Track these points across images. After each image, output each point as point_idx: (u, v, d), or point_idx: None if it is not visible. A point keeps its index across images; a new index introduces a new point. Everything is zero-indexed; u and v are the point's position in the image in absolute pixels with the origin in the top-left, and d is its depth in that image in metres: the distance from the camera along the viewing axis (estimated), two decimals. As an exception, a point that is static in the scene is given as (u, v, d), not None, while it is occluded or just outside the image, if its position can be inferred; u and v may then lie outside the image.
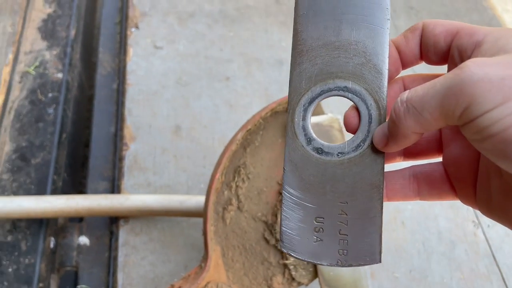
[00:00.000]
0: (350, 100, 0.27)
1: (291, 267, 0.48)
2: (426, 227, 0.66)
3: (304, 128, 0.27)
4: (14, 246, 0.56)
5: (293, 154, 0.26)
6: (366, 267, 0.49)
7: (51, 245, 0.58)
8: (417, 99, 0.22)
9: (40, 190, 0.59)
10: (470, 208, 0.70)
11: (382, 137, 0.25)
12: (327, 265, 0.25)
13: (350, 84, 0.27)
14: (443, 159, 0.28)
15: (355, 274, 0.48)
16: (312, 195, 0.26)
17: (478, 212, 0.69)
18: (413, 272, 0.61)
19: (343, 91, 0.27)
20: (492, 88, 0.20)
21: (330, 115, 0.51)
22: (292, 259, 0.48)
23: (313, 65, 0.27)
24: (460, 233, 0.66)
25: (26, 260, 0.55)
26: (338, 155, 0.26)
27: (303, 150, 0.26)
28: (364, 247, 0.25)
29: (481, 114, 0.21)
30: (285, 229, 0.26)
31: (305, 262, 0.49)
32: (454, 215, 0.68)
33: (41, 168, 0.61)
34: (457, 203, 0.73)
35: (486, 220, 0.68)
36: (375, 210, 0.25)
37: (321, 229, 0.25)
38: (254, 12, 0.87)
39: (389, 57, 0.27)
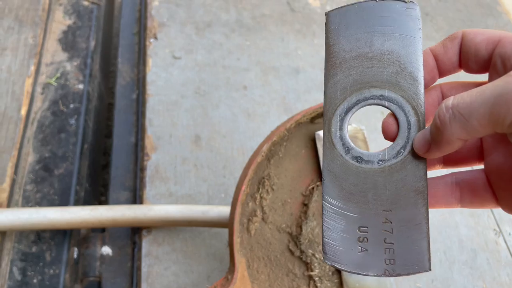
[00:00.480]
0: (387, 108, 0.27)
1: (316, 278, 0.48)
2: (447, 236, 0.65)
3: (342, 138, 0.27)
4: (39, 257, 0.56)
5: (332, 164, 0.27)
6: (392, 278, 0.49)
7: (75, 256, 0.59)
8: (465, 106, 0.22)
9: (63, 200, 0.60)
10: (491, 216, 0.70)
11: (424, 142, 0.25)
12: (374, 275, 0.25)
13: (386, 93, 0.27)
14: (485, 167, 0.28)
15: (380, 285, 0.48)
16: (354, 204, 0.26)
17: (499, 220, 0.69)
18: (435, 282, 0.61)
19: (379, 100, 0.27)
20: None
21: (354, 126, 0.51)
22: (317, 270, 0.48)
23: (347, 76, 0.28)
24: (481, 242, 0.66)
25: (51, 271, 0.56)
26: (378, 163, 0.26)
27: (342, 159, 0.27)
28: (412, 255, 0.25)
29: None
30: (327, 240, 0.26)
31: (330, 273, 0.49)
32: (475, 223, 0.67)
33: (64, 178, 0.61)
34: (478, 211, 0.72)
35: (507, 228, 0.68)
36: (420, 217, 0.25)
37: (365, 238, 0.25)
38: (269, 20, 0.88)
39: (425, 65, 0.27)
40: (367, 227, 0.25)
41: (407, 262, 0.25)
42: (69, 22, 0.78)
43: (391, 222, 0.25)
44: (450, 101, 0.23)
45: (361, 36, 0.28)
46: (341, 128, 0.27)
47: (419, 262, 0.25)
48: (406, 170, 0.26)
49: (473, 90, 0.23)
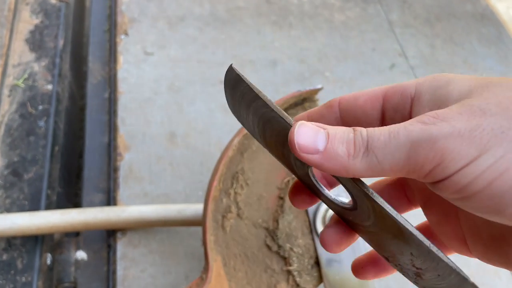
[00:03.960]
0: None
1: (295, 273, 0.46)
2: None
3: None
4: (10, 265, 0.54)
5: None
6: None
7: (48, 262, 0.57)
8: (379, 145, 0.20)
9: (34, 205, 0.58)
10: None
11: (313, 147, 0.20)
12: None
13: None
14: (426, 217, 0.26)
15: (361, 277, 0.47)
16: None
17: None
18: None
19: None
20: (463, 142, 0.19)
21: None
22: (295, 265, 0.46)
23: None
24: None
25: (23, 278, 0.53)
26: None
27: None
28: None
29: (456, 171, 0.19)
30: None
31: (309, 267, 0.47)
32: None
33: (34, 182, 0.59)
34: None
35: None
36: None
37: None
38: (245, 13, 0.86)
39: None
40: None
41: None
42: (36, 21, 0.75)
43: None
44: (364, 132, 0.20)
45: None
46: None
47: None
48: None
49: (385, 129, 0.20)
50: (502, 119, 0.19)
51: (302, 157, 0.20)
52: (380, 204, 0.20)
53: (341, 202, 0.23)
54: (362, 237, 0.24)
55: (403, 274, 0.23)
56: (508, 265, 0.23)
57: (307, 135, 0.20)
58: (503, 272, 0.62)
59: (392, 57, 0.86)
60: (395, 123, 0.22)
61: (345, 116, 0.24)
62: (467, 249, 0.24)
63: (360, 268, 0.27)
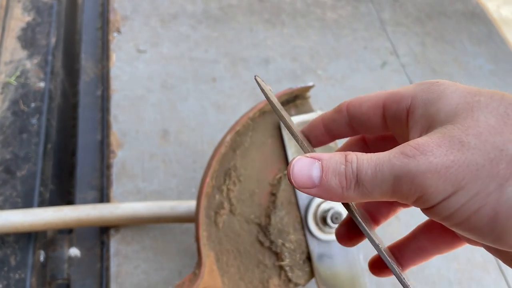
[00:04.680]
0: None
1: (287, 268, 0.47)
2: (420, 219, 0.65)
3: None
4: (3, 262, 0.54)
5: None
6: (362, 262, 0.48)
7: (41, 259, 0.57)
8: (368, 179, 0.21)
9: (27, 203, 0.58)
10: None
11: (307, 177, 0.22)
12: None
13: None
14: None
15: (352, 271, 0.48)
16: None
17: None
18: (410, 266, 0.60)
19: None
20: (440, 179, 0.20)
21: (319, 112, 0.50)
22: (287, 260, 0.47)
23: None
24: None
25: (16, 276, 0.53)
26: None
27: None
28: None
29: (437, 203, 0.21)
30: None
31: (301, 262, 0.48)
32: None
33: (27, 180, 0.59)
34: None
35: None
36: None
37: None
38: (238, 11, 0.86)
39: (314, 131, 0.28)
40: None
41: None
42: (28, 18, 0.75)
43: None
44: (354, 164, 0.22)
45: None
46: None
47: None
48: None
49: (373, 161, 0.21)
50: (478, 155, 0.20)
51: (302, 191, 0.22)
52: (357, 222, 0.24)
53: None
54: None
55: None
56: (496, 242, 0.24)
57: (303, 171, 0.22)
58: (491, 266, 0.63)
59: (383, 55, 0.86)
60: (395, 131, 0.25)
61: (353, 121, 0.26)
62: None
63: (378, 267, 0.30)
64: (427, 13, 0.98)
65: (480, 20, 1.00)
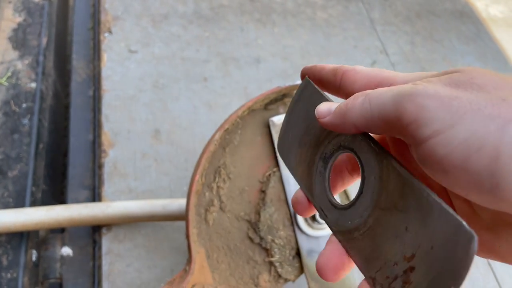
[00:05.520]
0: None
1: (277, 264, 0.47)
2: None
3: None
4: (-5, 262, 0.54)
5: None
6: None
7: (34, 258, 0.57)
8: (373, 97, 0.22)
9: (18, 202, 0.58)
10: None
11: (327, 110, 0.25)
12: None
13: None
14: None
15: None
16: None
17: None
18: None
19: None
20: (441, 105, 0.20)
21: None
22: (277, 256, 0.48)
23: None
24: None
25: (9, 275, 0.54)
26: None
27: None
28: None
29: (431, 134, 0.20)
30: None
31: (291, 258, 0.49)
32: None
33: (19, 180, 0.59)
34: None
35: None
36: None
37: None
38: (228, 11, 0.87)
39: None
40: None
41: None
42: (19, 19, 0.75)
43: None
44: (368, 91, 0.23)
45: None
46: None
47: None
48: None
49: (387, 87, 0.23)
50: (481, 98, 0.20)
51: (321, 122, 0.25)
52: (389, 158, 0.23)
53: (340, 203, 0.25)
54: (353, 254, 0.24)
55: None
56: (492, 255, 0.23)
57: (326, 105, 0.25)
58: (480, 261, 0.64)
59: (373, 54, 0.87)
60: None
61: (343, 91, 0.27)
62: None
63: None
64: (416, 12, 0.99)
65: (469, 19, 1.01)
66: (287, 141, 0.29)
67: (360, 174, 0.24)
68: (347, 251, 0.25)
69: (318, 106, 0.26)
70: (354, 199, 0.24)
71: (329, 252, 0.25)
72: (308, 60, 0.83)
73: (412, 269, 0.21)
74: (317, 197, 0.27)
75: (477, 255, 0.24)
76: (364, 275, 0.23)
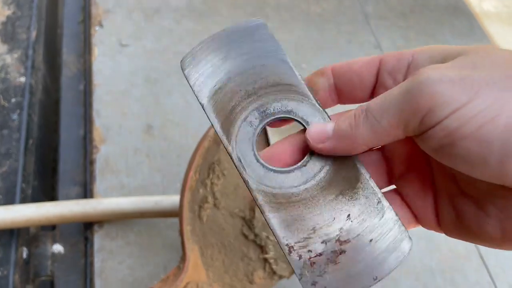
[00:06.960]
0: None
1: (272, 260, 0.47)
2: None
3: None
4: (-15, 260, 0.53)
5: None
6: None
7: (24, 256, 0.56)
8: (376, 107, 0.21)
9: (8, 199, 0.57)
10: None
11: (321, 134, 0.23)
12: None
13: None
14: (397, 186, 0.26)
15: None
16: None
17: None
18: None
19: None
20: (454, 87, 0.19)
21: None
22: (272, 253, 0.47)
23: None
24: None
25: (-1, 273, 0.53)
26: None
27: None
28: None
29: (448, 115, 0.19)
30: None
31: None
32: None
33: (8, 176, 0.58)
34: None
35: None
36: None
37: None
38: (221, 4, 0.86)
39: None
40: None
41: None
42: (8, 12, 0.73)
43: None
44: (364, 105, 0.22)
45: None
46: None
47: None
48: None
49: (383, 94, 0.22)
50: (494, 72, 0.20)
51: (317, 148, 0.23)
52: None
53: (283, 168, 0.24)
54: (271, 216, 0.24)
55: (300, 276, 0.23)
56: (477, 239, 0.23)
57: (318, 128, 0.23)
58: (473, 255, 0.64)
59: (367, 49, 0.87)
60: (386, 87, 0.24)
61: (339, 82, 0.25)
62: (437, 222, 0.25)
63: None
64: (410, 6, 0.99)
65: (462, 14, 1.01)
66: (210, 59, 0.27)
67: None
68: (262, 212, 0.24)
69: (309, 128, 0.24)
70: (294, 167, 0.24)
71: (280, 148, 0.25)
72: (302, 55, 0.82)
73: (342, 252, 0.22)
74: (238, 144, 0.25)
75: (465, 240, 0.24)
76: (279, 242, 0.24)
